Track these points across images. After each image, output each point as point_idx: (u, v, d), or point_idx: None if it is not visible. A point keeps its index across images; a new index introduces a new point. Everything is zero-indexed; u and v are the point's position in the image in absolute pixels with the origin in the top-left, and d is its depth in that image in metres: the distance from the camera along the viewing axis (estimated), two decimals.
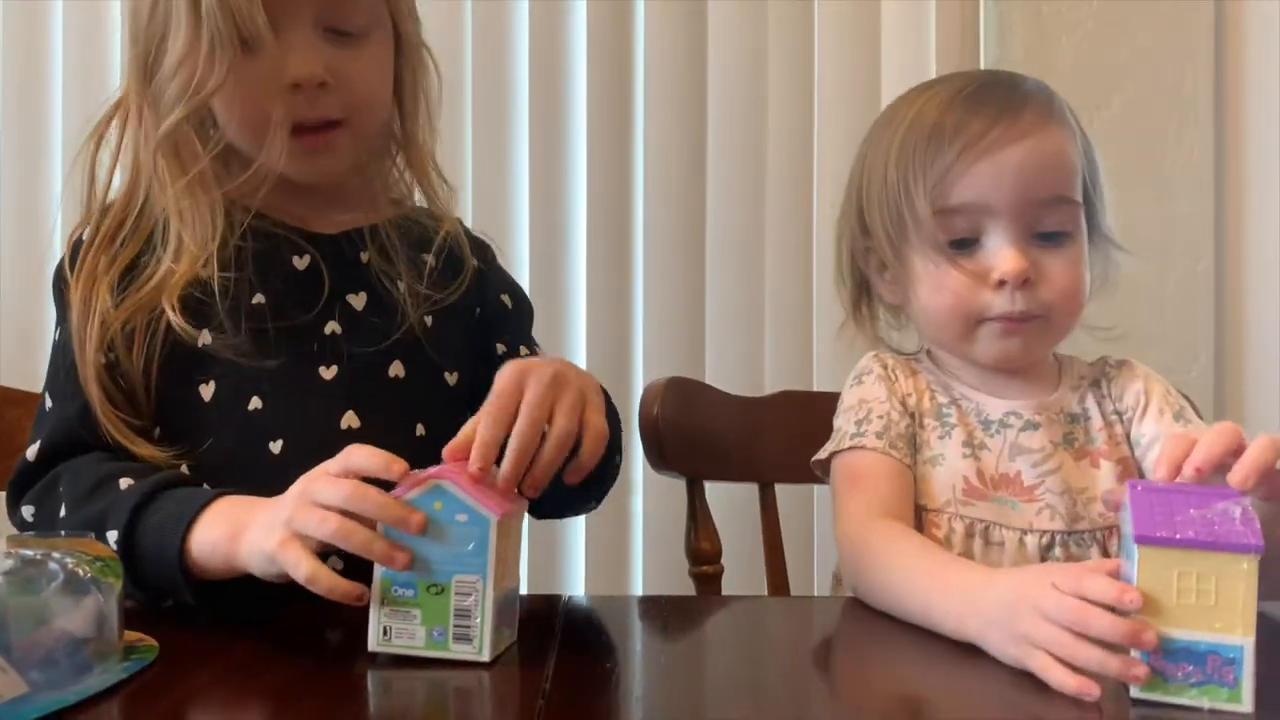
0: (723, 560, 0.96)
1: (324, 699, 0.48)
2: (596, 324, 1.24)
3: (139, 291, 0.66)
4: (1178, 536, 0.43)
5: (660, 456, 0.95)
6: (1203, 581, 0.43)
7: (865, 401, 0.73)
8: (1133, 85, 1.53)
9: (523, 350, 0.78)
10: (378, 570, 0.52)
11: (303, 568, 0.51)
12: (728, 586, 0.96)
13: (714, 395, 1.02)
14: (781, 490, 1.02)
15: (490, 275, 0.82)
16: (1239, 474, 0.48)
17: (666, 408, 0.95)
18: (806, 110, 1.38)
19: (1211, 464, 0.48)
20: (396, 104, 0.75)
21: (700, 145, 1.30)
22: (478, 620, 0.50)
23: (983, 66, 1.51)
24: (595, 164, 1.27)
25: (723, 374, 1.20)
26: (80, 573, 0.48)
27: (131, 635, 0.52)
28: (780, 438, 1.02)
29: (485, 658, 0.50)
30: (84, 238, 0.69)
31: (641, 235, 1.26)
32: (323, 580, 0.51)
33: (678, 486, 0.98)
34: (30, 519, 0.64)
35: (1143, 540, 0.43)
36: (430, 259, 0.75)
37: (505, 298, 0.81)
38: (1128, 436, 0.74)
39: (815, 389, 1.24)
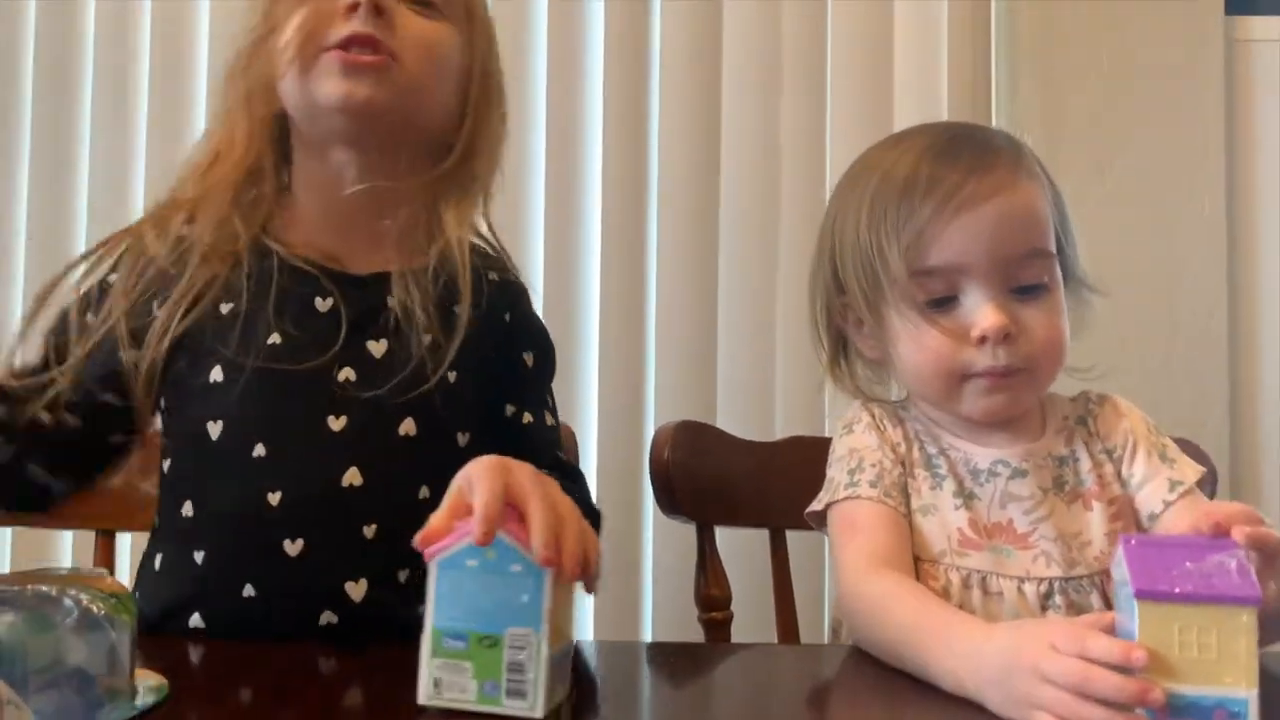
0: (733, 606, 0.96)
1: None
2: (608, 364, 1.25)
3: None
4: (1176, 590, 0.43)
5: (670, 501, 0.96)
6: (1204, 635, 0.43)
7: (856, 450, 0.73)
8: (1144, 136, 1.55)
9: (526, 418, 0.77)
10: (428, 621, 0.50)
11: None
12: (738, 633, 0.96)
13: (724, 439, 1.02)
14: (793, 536, 1.02)
15: (516, 328, 0.79)
16: (1241, 533, 0.48)
17: (677, 452, 0.96)
18: (819, 158, 1.41)
19: (1233, 523, 0.49)
20: (459, 131, 0.74)
21: (714, 206, 1.33)
22: (531, 675, 0.49)
23: (994, 122, 1.53)
24: (610, 212, 1.29)
25: (734, 417, 1.21)
26: (94, 610, 0.49)
27: (143, 673, 0.53)
28: (791, 483, 1.01)
29: (539, 714, 0.49)
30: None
31: (655, 278, 1.28)
32: None
33: (688, 531, 0.98)
34: None
35: (1142, 595, 0.43)
36: (461, 311, 0.72)
37: (528, 356, 0.79)
38: (1118, 475, 0.73)
39: (827, 433, 1.25)
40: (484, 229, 0.81)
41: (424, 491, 0.70)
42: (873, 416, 0.76)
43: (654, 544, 1.20)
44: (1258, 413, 1.55)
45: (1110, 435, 0.75)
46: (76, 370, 0.67)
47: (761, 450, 1.03)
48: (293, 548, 0.67)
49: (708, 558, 0.96)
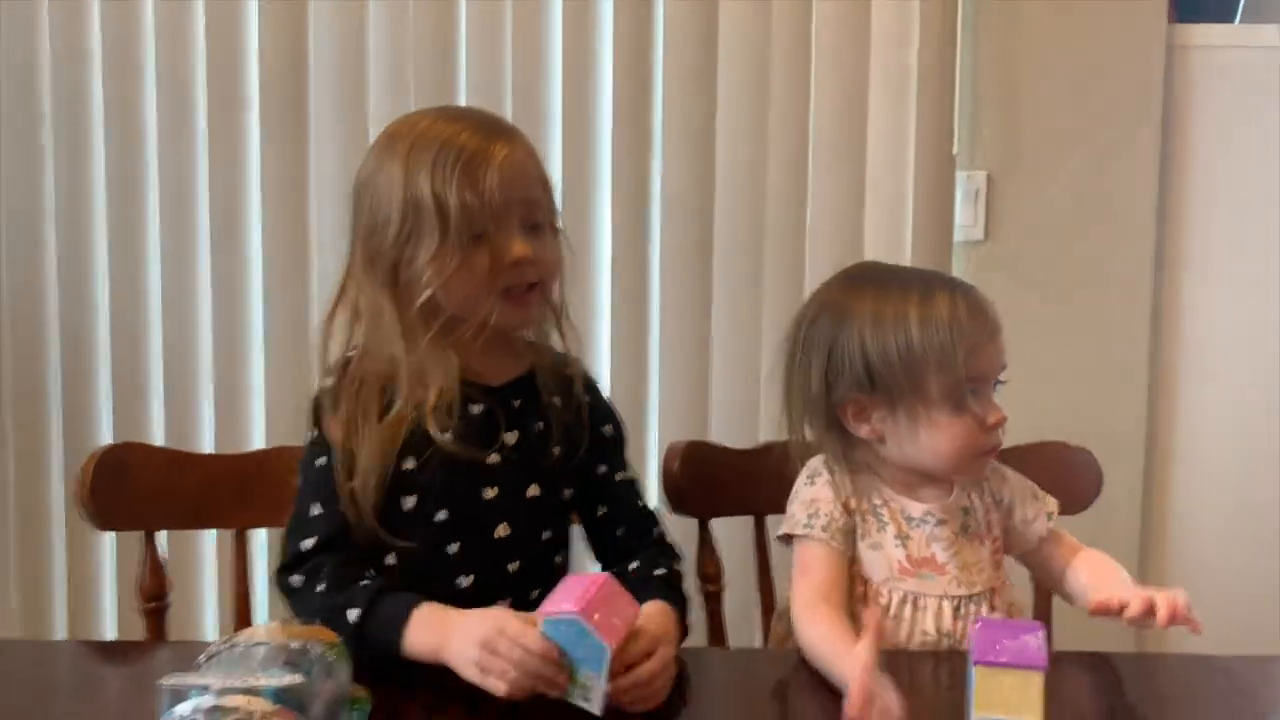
0: (724, 579, 1.26)
1: None
2: (619, 384, 1.59)
3: (387, 425, 0.94)
4: (998, 659, 0.72)
5: (678, 503, 1.24)
6: (1013, 685, 0.72)
7: (816, 500, 1.01)
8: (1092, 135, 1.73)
9: (618, 476, 1.07)
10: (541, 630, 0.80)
11: (500, 692, 0.80)
12: (728, 599, 1.26)
13: (718, 450, 1.30)
14: (771, 520, 1.31)
15: (596, 407, 1.07)
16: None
17: (684, 465, 1.24)
18: (801, 194, 1.64)
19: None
20: None
21: (709, 247, 1.62)
22: (594, 694, 0.79)
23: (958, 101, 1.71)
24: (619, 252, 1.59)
25: (723, 425, 1.51)
26: (329, 657, 0.77)
27: (353, 688, 0.81)
28: (770, 480, 1.30)
29: (598, 712, 0.80)
30: (330, 385, 0.97)
31: (658, 312, 1.62)
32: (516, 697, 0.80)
33: (690, 522, 1.27)
34: (297, 585, 0.92)
35: (978, 663, 0.72)
36: (558, 402, 1.01)
37: (608, 428, 1.07)
38: (1001, 519, 1.04)
39: None
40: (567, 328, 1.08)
41: (546, 534, 1.01)
42: (831, 475, 1.03)
43: None
44: (1174, 417, 1.82)
45: (999, 490, 1.05)
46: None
47: (746, 455, 1.30)
48: (465, 581, 0.97)
49: (705, 543, 1.26)
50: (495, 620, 0.82)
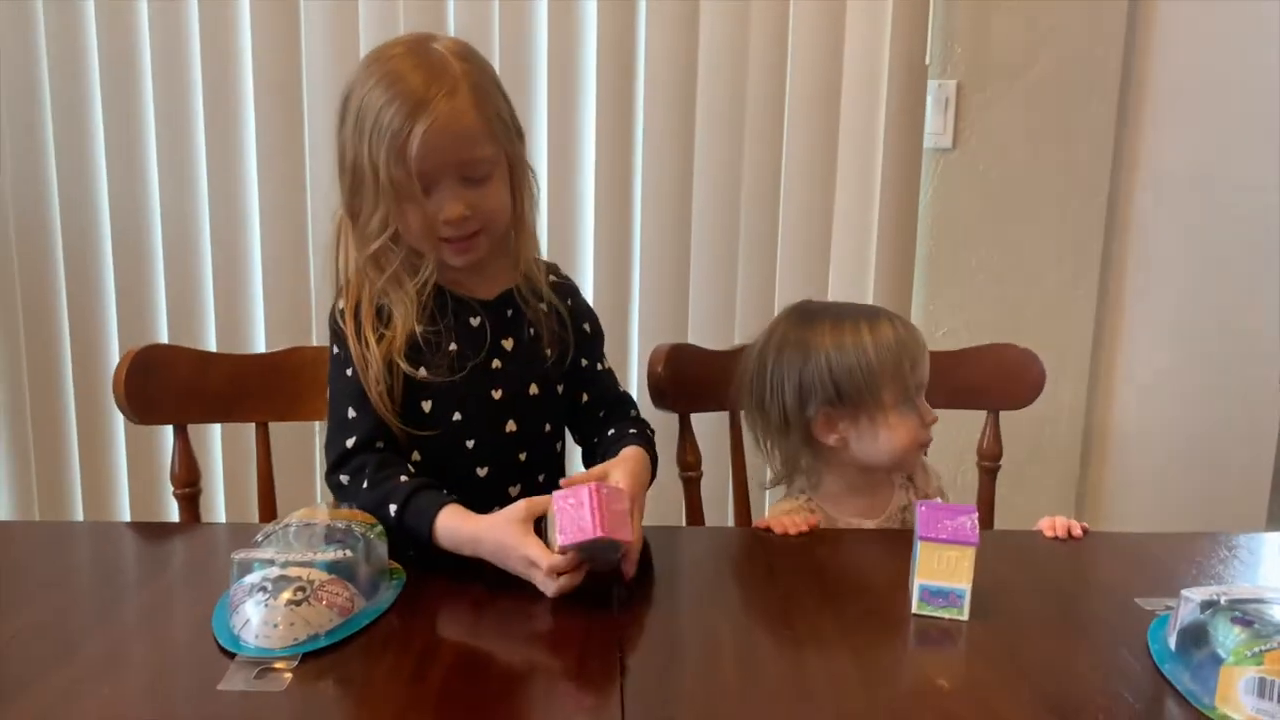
0: (702, 466, 1.40)
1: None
2: (604, 290, 1.70)
3: (382, 346, 1.03)
4: (939, 536, 0.86)
5: (661, 400, 1.36)
6: (949, 558, 0.86)
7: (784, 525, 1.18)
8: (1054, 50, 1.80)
9: (599, 367, 1.19)
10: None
11: (549, 590, 0.90)
12: (705, 485, 1.41)
13: (697, 352, 1.42)
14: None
15: (576, 309, 1.17)
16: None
17: (666, 367, 1.36)
18: (778, 130, 1.72)
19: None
20: (513, 203, 1.07)
21: (688, 196, 1.71)
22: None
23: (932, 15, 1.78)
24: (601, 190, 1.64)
25: (700, 327, 1.64)
26: (370, 536, 0.90)
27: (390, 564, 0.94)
28: None
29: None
30: (342, 307, 1.06)
31: (639, 229, 1.71)
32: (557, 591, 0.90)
33: (672, 417, 1.39)
34: (345, 483, 1.01)
35: (922, 538, 0.86)
36: (544, 307, 1.12)
37: (587, 325, 1.18)
38: None
39: None
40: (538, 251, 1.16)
41: (547, 427, 1.13)
42: (797, 510, 1.20)
43: None
44: (1120, 328, 1.95)
45: (924, 487, 1.25)
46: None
47: (722, 356, 1.43)
48: (481, 471, 1.09)
49: (686, 434, 1.39)
50: (519, 548, 0.91)
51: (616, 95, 1.72)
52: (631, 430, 1.13)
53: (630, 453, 1.05)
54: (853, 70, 1.77)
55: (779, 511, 1.21)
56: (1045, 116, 1.85)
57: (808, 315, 1.22)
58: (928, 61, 1.81)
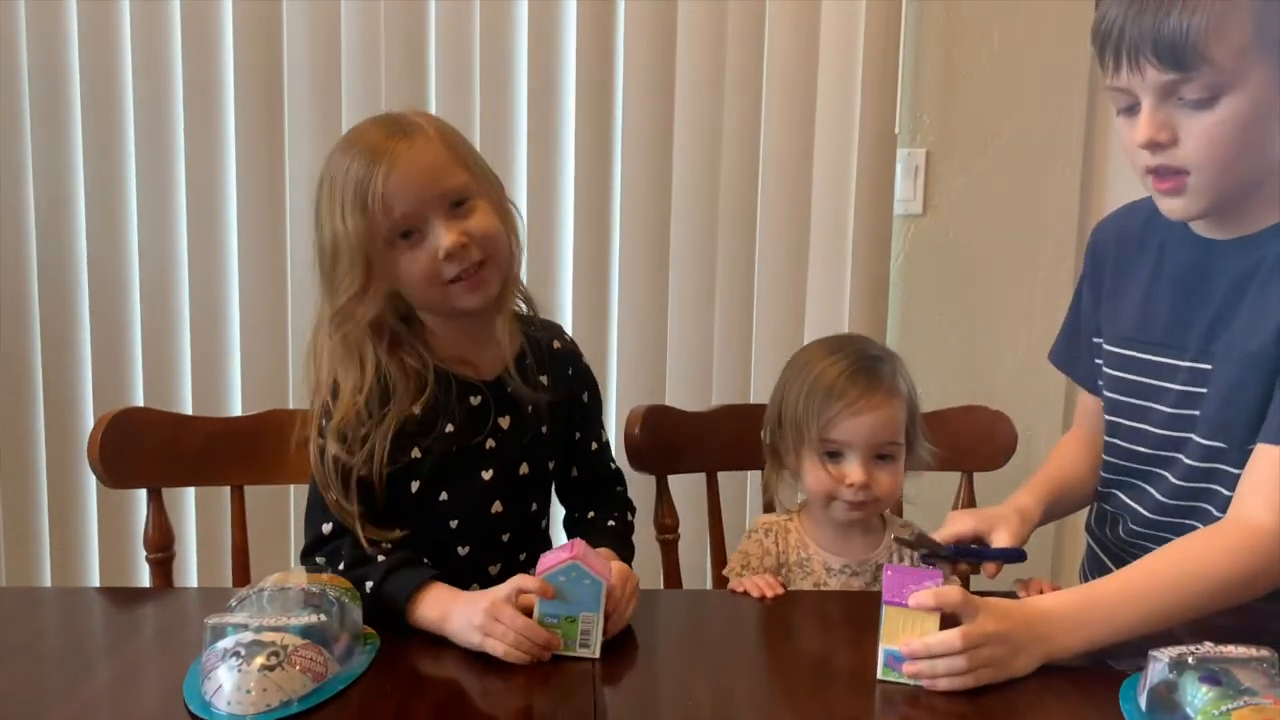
0: (680, 530, 1.41)
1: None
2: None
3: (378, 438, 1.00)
4: (904, 601, 0.87)
5: (638, 461, 1.37)
6: (914, 623, 0.87)
7: (748, 554, 1.18)
8: (1020, 110, 1.86)
9: (593, 445, 1.17)
10: (537, 613, 0.90)
11: (498, 653, 0.89)
12: (682, 547, 1.41)
13: (675, 414, 1.43)
14: (722, 476, 1.45)
15: (576, 379, 1.15)
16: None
17: (643, 428, 1.37)
18: (752, 184, 1.78)
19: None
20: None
21: (665, 240, 1.75)
22: (593, 637, 0.91)
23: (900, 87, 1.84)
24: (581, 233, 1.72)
25: (679, 389, 1.65)
26: (344, 600, 0.90)
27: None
28: (722, 440, 1.45)
29: (596, 655, 0.91)
30: (326, 402, 1.02)
31: (617, 292, 1.76)
32: (512, 658, 0.89)
33: (649, 478, 1.40)
34: (320, 566, 0.99)
35: (887, 603, 0.87)
36: (545, 381, 1.09)
37: (585, 395, 1.17)
38: None
39: (752, 400, 1.69)
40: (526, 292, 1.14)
41: (534, 506, 1.11)
42: (766, 533, 1.19)
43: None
44: None
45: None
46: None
47: (700, 417, 1.44)
48: (462, 550, 1.07)
49: (663, 497, 1.40)
50: (496, 596, 0.92)
51: (594, 167, 1.76)
52: (610, 522, 1.13)
53: (605, 554, 1.03)
54: (824, 139, 1.82)
55: (758, 524, 1.21)
56: (1012, 181, 1.90)
57: (827, 341, 1.21)
58: (897, 130, 1.86)
